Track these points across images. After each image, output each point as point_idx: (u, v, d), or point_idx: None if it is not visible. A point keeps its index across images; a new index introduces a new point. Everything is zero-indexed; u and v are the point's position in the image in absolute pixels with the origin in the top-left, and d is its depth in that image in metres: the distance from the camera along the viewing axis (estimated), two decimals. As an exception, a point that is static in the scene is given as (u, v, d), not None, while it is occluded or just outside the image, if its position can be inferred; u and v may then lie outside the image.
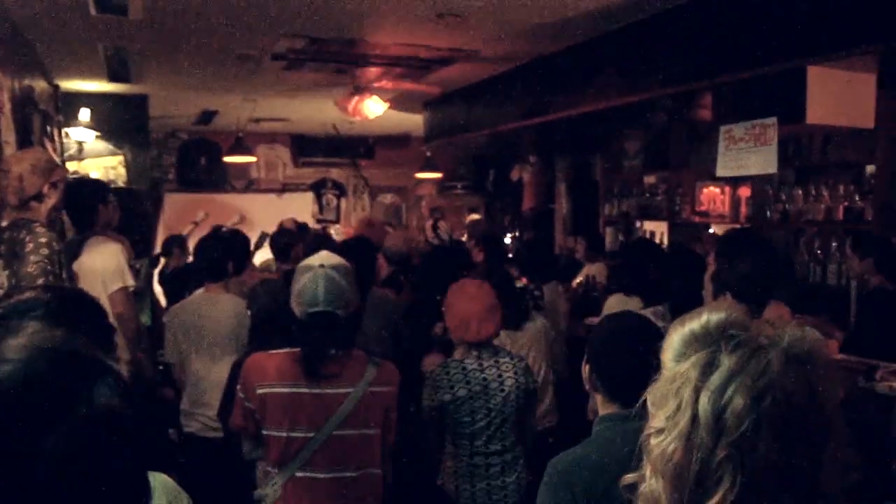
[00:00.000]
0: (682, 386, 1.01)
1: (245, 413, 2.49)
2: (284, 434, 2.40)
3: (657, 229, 7.71)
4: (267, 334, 3.06)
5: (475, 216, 10.40)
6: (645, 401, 1.99)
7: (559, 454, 1.95)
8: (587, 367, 2.04)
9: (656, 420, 1.05)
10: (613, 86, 5.06)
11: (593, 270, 6.47)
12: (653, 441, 1.04)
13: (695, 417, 0.98)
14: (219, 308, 3.74)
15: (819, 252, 5.71)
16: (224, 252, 3.91)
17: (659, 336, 2.04)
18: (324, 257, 2.50)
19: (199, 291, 3.92)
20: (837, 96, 3.65)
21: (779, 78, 3.78)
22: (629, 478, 1.12)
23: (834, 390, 1.03)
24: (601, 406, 2.01)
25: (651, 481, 1.05)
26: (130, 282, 3.83)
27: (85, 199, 3.90)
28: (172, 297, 5.44)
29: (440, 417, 3.07)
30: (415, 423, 3.20)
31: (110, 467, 0.69)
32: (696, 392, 0.99)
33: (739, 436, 0.94)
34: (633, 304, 4.14)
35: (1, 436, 0.64)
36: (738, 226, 6.42)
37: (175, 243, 6.78)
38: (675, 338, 1.07)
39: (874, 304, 4.16)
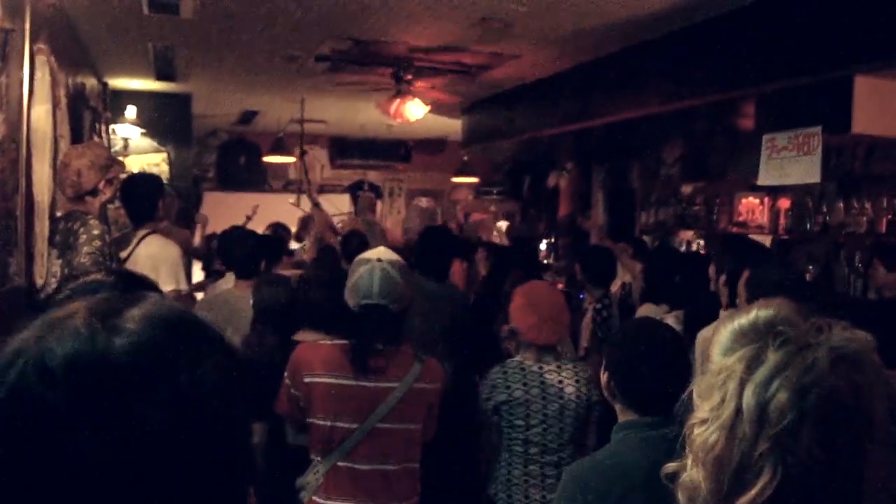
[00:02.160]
0: (727, 379, 1.03)
1: (291, 400, 2.54)
2: (328, 423, 2.46)
3: (694, 239, 7.66)
4: (266, 325, 3.15)
5: (503, 224, 10.38)
6: (669, 409, 2.00)
7: (576, 462, 1.97)
8: (605, 374, 2.04)
9: (700, 411, 1.07)
10: (655, 93, 5.06)
11: (629, 278, 6.44)
12: (696, 431, 1.06)
13: (738, 410, 1.00)
14: (248, 303, 3.77)
15: (860, 265, 5.64)
16: (257, 250, 3.95)
17: (678, 342, 2.06)
18: (381, 252, 2.56)
19: (228, 287, 3.94)
20: (885, 106, 3.61)
21: (824, 87, 3.76)
22: (670, 466, 1.14)
23: (880, 393, 1.03)
24: (620, 414, 2.01)
25: (692, 471, 1.07)
26: (184, 286, 3.83)
27: (145, 193, 3.94)
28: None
29: (497, 420, 3.01)
30: (470, 429, 3.19)
31: (210, 446, 0.66)
32: (741, 385, 1.00)
33: (781, 430, 0.96)
34: (661, 312, 4.12)
35: (105, 412, 0.60)
36: (776, 237, 6.37)
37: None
38: (724, 332, 1.10)
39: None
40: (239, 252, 3.95)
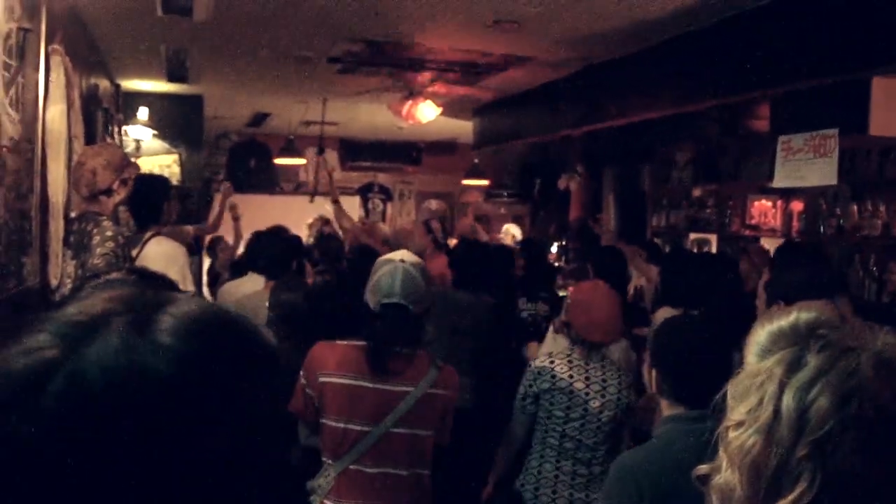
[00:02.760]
0: (765, 381, 1.01)
1: (305, 399, 2.52)
2: (342, 425, 2.44)
3: (705, 242, 7.63)
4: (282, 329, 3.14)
5: (512, 227, 10.31)
6: (716, 400, 2.01)
7: (623, 453, 1.96)
8: (653, 370, 2.06)
9: (736, 413, 1.05)
10: (667, 96, 5.04)
11: (642, 280, 6.41)
12: (731, 434, 1.04)
13: (777, 413, 0.97)
14: None
15: (875, 269, 5.60)
16: (287, 250, 3.95)
17: (720, 338, 2.07)
18: (404, 254, 2.57)
19: (258, 287, 3.95)
20: (902, 108, 3.59)
21: (840, 88, 3.74)
22: (703, 468, 1.13)
23: None
24: (666, 408, 2.03)
25: (727, 473, 1.05)
26: (191, 286, 3.86)
27: (151, 195, 3.96)
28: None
29: (534, 411, 3.06)
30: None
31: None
32: (781, 388, 0.98)
33: (822, 436, 0.93)
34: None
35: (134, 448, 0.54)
36: (789, 239, 6.33)
37: (219, 243, 6.86)
38: (762, 333, 1.07)
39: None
40: (268, 253, 3.97)
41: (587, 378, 3.01)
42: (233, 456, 0.58)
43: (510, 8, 4.37)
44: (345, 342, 2.53)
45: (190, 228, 4.96)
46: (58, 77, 3.52)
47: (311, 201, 7.94)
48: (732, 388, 1.08)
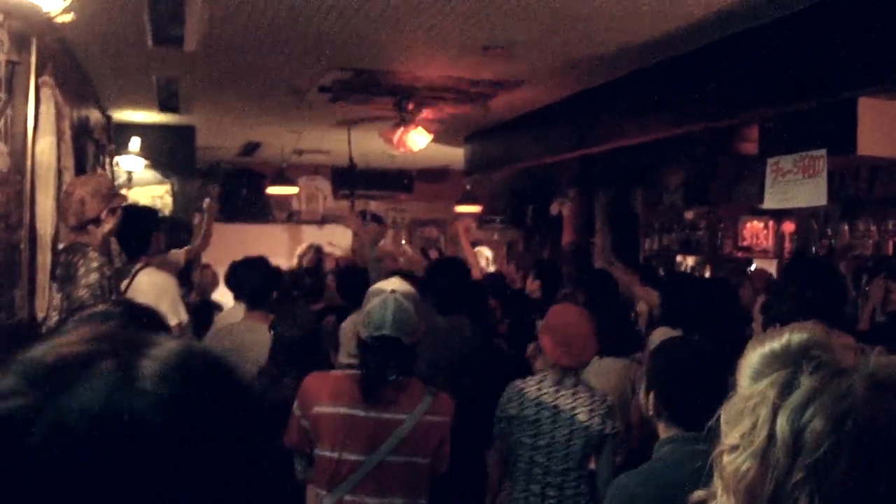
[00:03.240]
0: (758, 404, 0.99)
1: (300, 431, 2.50)
2: (336, 455, 2.42)
3: (698, 265, 7.64)
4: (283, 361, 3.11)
5: (485, 249, 10.20)
6: (710, 425, 1.99)
7: (622, 474, 1.95)
8: (650, 393, 2.04)
9: (730, 438, 1.03)
10: (658, 119, 5.06)
11: (642, 307, 6.38)
12: (726, 458, 1.03)
13: (771, 436, 0.95)
14: (264, 336, 3.73)
15: (867, 288, 5.60)
16: (267, 279, 3.92)
17: (720, 359, 2.06)
18: (395, 283, 2.54)
19: (238, 318, 3.91)
20: (889, 128, 3.61)
21: (828, 109, 3.76)
22: (699, 495, 1.11)
23: None
24: (663, 431, 2.02)
25: (722, 498, 1.03)
26: (184, 317, 3.80)
27: (140, 225, 3.93)
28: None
29: (507, 433, 3.06)
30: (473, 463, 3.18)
31: None
32: (774, 411, 0.96)
33: (818, 458, 0.92)
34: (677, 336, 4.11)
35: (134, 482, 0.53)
36: (778, 261, 6.36)
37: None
38: (754, 356, 1.05)
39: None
40: (249, 281, 3.93)
41: (555, 406, 2.98)
42: (220, 498, 0.57)
43: (500, 34, 4.39)
44: (338, 372, 2.52)
45: (180, 253, 4.90)
46: (48, 109, 3.52)
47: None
48: (725, 413, 1.07)
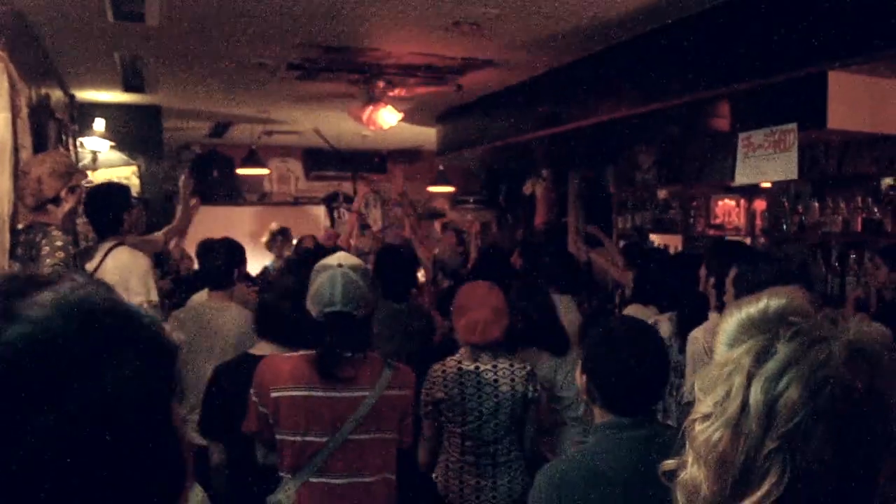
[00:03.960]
0: (733, 371, 0.96)
1: (259, 417, 2.45)
2: (299, 438, 2.37)
3: (671, 243, 7.67)
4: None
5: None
6: (648, 409, 1.96)
7: (551, 461, 1.91)
8: (583, 375, 1.99)
9: (703, 405, 1.00)
10: (628, 96, 5.04)
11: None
12: (697, 427, 0.99)
13: (745, 405, 0.92)
14: (226, 316, 3.68)
15: (837, 264, 5.65)
16: (228, 259, 3.86)
17: (657, 342, 2.03)
18: (341, 257, 2.49)
19: (203, 298, 3.86)
20: (859, 101, 3.61)
21: (798, 84, 3.75)
22: (669, 464, 1.08)
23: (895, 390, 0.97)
24: (598, 415, 1.97)
25: (692, 468, 1.00)
26: (154, 297, 3.72)
27: (110, 204, 3.84)
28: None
29: (436, 415, 3.11)
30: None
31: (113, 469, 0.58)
32: (749, 379, 0.93)
33: (792, 428, 0.89)
34: (649, 313, 4.11)
35: None
36: (750, 238, 6.39)
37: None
38: (731, 322, 1.01)
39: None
40: (210, 262, 3.88)
41: (478, 382, 3.06)
42: (95, 449, 0.57)
43: (469, 10, 4.33)
44: (292, 354, 2.46)
45: (159, 235, 4.79)
46: (0, 84, 3.40)
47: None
48: (699, 380, 1.03)
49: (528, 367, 3.18)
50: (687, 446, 1.02)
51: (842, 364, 0.91)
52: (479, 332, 3.05)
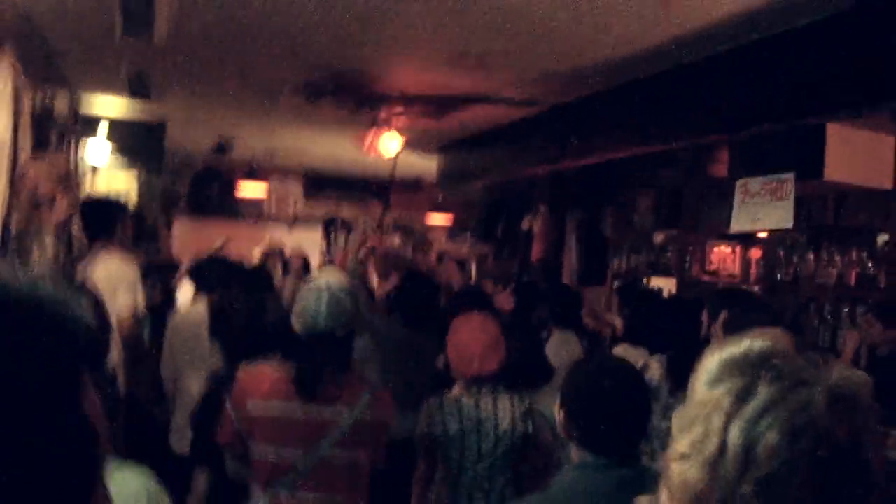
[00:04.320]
0: (712, 411, 0.94)
1: (233, 430, 2.42)
2: (273, 453, 2.35)
3: (666, 286, 7.66)
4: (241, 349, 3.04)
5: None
6: (628, 449, 1.92)
7: (520, 500, 1.87)
8: (561, 412, 1.96)
9: (680, 445, 0.98)
10: (629, 137, 5.07)
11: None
12: (673, 466, 0.97)
13: (723, 447, 0.90)
14: None
15: (829, 317, 5.64)
16: (225, 274, 3.90)
17: (638, 381, 1.99)
18: (330, 276, 2.49)
19: (201, 309, 3.87)
20: (856, 154, 3.64)
21: (797, 134, 3.77)
22: (643, 500, 1.06)
23: (876, 439, 0.94)
24: (575, 454, 1.92)
25: None
26: (141, 301, 3.77)
27: (103, 214, 3.88)
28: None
29: (432, 448, 3.01)
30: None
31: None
32: (728, 420, 0.91)
33: (769, 473, 0.87)
34: (638, 354, 4.08)
35: None
36: (748, 287, 6.38)
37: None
38: (712, 361, 0.99)
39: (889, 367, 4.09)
40: (209, 277, 3.94)
41: (478, 418, 2.95)
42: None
43: (474, 43, 4.37)
44: (272, 366, 2.44)
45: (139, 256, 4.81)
46: (4, 87, 3.42)
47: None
48: (678, 419, 1.02)
49: (528, 403, 3.07)
50: (661, 485, 1.00)
51: (823, 409, 0.89)
52: (476, 365, 2.97)
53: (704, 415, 0.95)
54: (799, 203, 4.95)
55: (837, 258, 5.54)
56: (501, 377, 3.41)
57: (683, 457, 0.96)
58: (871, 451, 0.92)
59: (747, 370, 0.95)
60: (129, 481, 1.33)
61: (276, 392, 2.37)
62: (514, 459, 3.00)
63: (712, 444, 0.92)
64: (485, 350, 2.99)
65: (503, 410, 2.97)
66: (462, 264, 7.81)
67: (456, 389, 3.06)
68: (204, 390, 3.06)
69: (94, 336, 0.67)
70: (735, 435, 0.90)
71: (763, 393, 0.92)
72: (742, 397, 0.93)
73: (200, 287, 4.06)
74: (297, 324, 2.41)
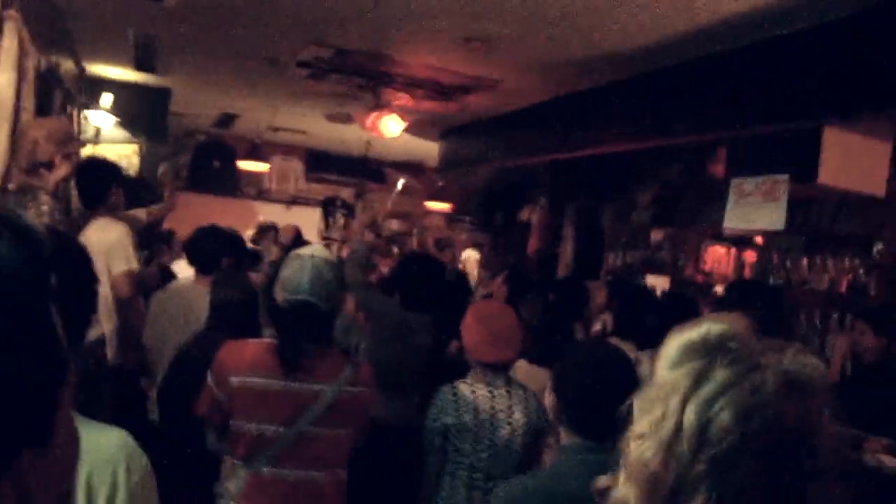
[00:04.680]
0: (670, 393, 0.98)
1: (213, 402, 2.41)
2: (254, 427, 2.33)
3: (659, 284, 7.68)
4: (221, 324, 3.09)
5: (473, 253, 10.26)
6: (616, 433, 1.96)
7: (508, 482, 1.90)
8: (552, 395, 1.99)
9: (639, 425, 1.02)
10: (628, 132, 5.08)
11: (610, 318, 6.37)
12: (632, 445, 1.01)
13: (678, 426, 0.95)
14: (207, 300, 3.71)
15: (818, 323, 5.67)
16: (218, 246, 3.91)
17: (627, 368, 2.02)
18: (315, 249, 2.49)
19: (188, 281, 3.90)
20: (852, 160, 3.64)
21: (794, 136, 3.79)
22: (602, 480, 1.09)
23: (829, 422, 0.98)
24: (564, 437, 1.96)
25: (624, 487, 1.02)
26: (135, 265, 3.77)
27: (97, 178, 3.88)
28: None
29: (442, 441, 2.89)
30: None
31: None
32: (684, 401, 0.96)
33: (722, 451, 0.91)
34: (627, 348, 4.11)
35: None
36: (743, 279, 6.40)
37: (162, 240, 6.66)
38: (673, 345, 1.03)
39: (874, 375, 4.12)
40: (201, 247, 3.97)
41: (492, 407, 2.86)
42: None
43: (482, 26, 4.38)
44: (254, 340, 2.45)
45: (142, 212, 4.81)
46: (10, 44, 3.43)
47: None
48: (639, 401, 1.05)
49: (537, 395, 2.94)
50: (620, 463, 1.04)
51: (775, 392, 0.93)
52: (496, 351, 2.91)
53: (663, 396, 0.99)
54: (796, 207, 4.97)
55: (830, 264, 5.57)
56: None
57: (641, 436, 1.00)
58: (820, 433, 0.95)
59: (705, 353, 0.98)
60: (109, 440, 1.35)
61: (257, 365, 2.35)
62: (526, 453, 2.92)
63: (669, 424, 0.96)
64: (504, 337, 2.93)
65: (517, 401, 2.90)
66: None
67: (470, 377, 2.98)
68: (173, 359, 3.09)
69: (54, 246, 0.67)
70: (690, 415, 0.94)
71: (719, 375, 0.95)
72: (699, 379, 0.96)
73: (190, 259, 4.07)
74: (279, 293, 2.40)
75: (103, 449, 1.31)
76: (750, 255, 6.59)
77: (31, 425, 0.62)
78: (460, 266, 8.88)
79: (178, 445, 2.77)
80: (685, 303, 4.59)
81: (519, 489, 1.91)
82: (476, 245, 11.00)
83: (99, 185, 3.85)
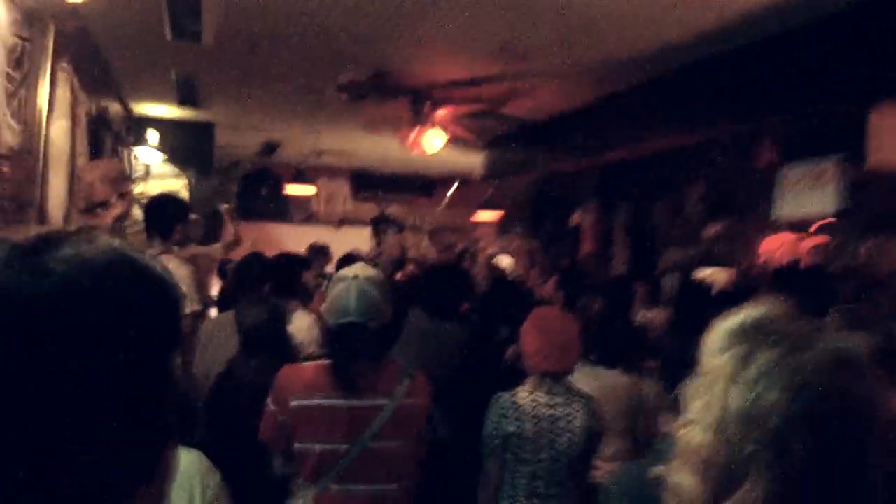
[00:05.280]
0: (716, 379, 0.99)
1: (276, 426, 2.45)
2: (318, 447, 2.37)
3: (718, 278, 7.53)
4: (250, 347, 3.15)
5: (506, 258, 10.18)
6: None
7: (613, 474, 1.91)
8: (661, 383, 2.02)
9: (689, 412, 1.03)
10: (673, 126, 5.03)
11: (649, 316, 6.32)
12: (682, 432, 1.02)
13: (725, 409, 0.95)
14: None
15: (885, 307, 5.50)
16: (261, 272, 3.97)
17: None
18: (358, 269, 2.51)
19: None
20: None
21: (841, 120, 3.71)
22: (657, 470, 1.10)
23: (877, 398, 0.97)
24: (664, 424, 1.98)
25: (678, 473, 1.02)
26: (197, 306, 3.84)
27: (162, 215, 3.94)
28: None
29: (502, 452, 2.85)
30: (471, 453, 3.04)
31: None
32: (729, 384, 0.96)
33: (770, 431, 0.91)
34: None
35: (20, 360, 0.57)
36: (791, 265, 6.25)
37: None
38: (717, 332, 1.05)
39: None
40: (246, 276, 4.06)
41: (552, 416, 2.83)
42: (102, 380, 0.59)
43: (517, 36, 4.39)
44: (310, 363, 2.49)
45: (218, 247, 4.90)
46: (63, 94, 3.57)
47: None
48: (688, 389, 1.06)
49: (595, 401, 2.93)
50: (675, 450, 1.04)
51: (820, 370, 0.93)
52: (556, 359, 2.88)
53: (709, 382, 1.00)
54: (855, 190, 4.84)
55: (892, 247, 5.39)
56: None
57: (691, 423, 1.00)
58: (868, 408, 0.94)
59: (748, 337, 0.99)
60: (187, 459, 1.41)
61: (316, 387, 2.39)
62: (585, 458, 2.90)
63: (716, 408, 0.97)
64: (563, 346, 2.91)
65: (576, 408, 2.87)
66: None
67: (529, 385, 2.94)
68: (212, 386, 3.15)
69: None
70: (735, 397, 0.95)
71: (761, 357, 0.96)
72: (742, 363, 0.97)
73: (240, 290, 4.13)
74: (327, 317, 2.44)
75: (181, 468, 1.37)
76: (807, 242, 6.44)
77: (151, 465, 0.66)
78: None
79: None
80: (741, 294, 4.51)
81: (627, 477, 1.91)
82: (529, 254, 10.96)
83: (164, 221, 3.91)
